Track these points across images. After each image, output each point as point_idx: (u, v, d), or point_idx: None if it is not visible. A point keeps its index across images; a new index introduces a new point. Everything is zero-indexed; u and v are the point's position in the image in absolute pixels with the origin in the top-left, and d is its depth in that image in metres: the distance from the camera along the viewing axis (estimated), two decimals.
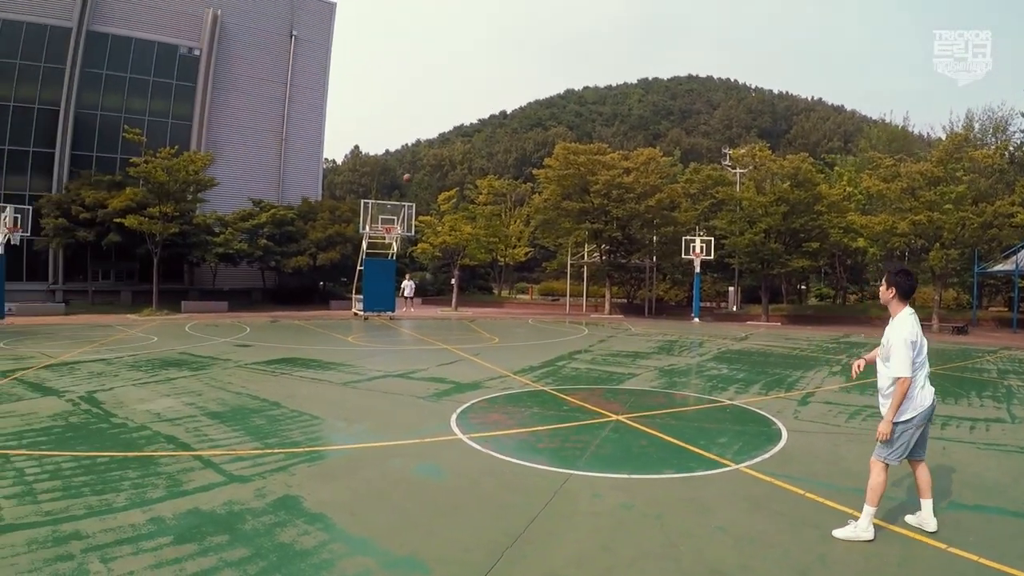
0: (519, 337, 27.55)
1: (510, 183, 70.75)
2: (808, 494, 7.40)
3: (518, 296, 67.32)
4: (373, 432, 10.16)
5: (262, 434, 9.83)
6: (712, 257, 41.45)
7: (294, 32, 53.82)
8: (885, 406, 6.23)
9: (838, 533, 6.21)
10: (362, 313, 36.53)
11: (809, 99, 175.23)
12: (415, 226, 42.38)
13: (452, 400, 12.69)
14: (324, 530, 6.20)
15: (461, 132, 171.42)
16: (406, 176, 36.30)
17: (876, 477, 6.20)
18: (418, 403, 12.52)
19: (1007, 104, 78.98)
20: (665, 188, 43.45)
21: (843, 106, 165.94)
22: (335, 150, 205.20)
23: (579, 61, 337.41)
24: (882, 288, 6.43)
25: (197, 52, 48.77)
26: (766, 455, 9.08)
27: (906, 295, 6.26)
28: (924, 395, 6.18)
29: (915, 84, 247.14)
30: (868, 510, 6.18)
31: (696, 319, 40.43)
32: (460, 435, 9.93)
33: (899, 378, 5.98)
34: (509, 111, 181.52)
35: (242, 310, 41.34)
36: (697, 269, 41.14)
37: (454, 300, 49.10)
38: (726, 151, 56.63)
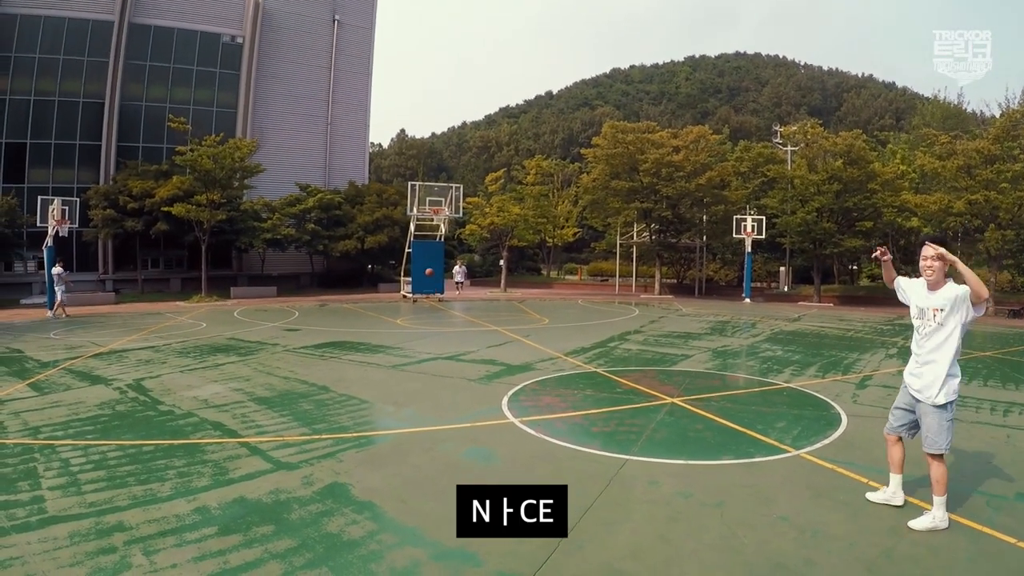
0: (569, 318, 27.28)
1: (557, 163, 69.87)
2: (872, 483, 7.07)
3: (567, 277, 66.98)
4: (423, 416, 10.01)
5: (310, 419, 9.73)
6: (763, 236, 40.76)
7: (337, 16, 53.69)
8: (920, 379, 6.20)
9: (915, 524, 5.98)
10: (411, 296, 36.48)
11: (860, 76, 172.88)
12: (463, 208, 42.15)
13: (503, 382, 12.51)
14: (372, 519, 6.06)
15: (507, 113, 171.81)
16: (428, 271, 35.17)
17: (938, 469, 6.02)
18: (469, 386, 12.34)
19: None
20: (715, 166, 42.79)
21: (894, 83, 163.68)
22: (381, 134, 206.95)
23: (625, 41, 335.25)
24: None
25: (240, 40, 48.86)
26: (826, 440, 8.77)
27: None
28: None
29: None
30: (939, 500, 5.98)
31: (747, 299, 39.70)
32: (512, 419, 9.74)
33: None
34: (555, 92, 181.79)
35: (291, 295, 41.59)
36: (748, 249, 40.42)
37: (503, 281, 48.86)
38: (776, 128, 55.55)
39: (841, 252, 41.52)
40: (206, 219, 37.14)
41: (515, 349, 17.28)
